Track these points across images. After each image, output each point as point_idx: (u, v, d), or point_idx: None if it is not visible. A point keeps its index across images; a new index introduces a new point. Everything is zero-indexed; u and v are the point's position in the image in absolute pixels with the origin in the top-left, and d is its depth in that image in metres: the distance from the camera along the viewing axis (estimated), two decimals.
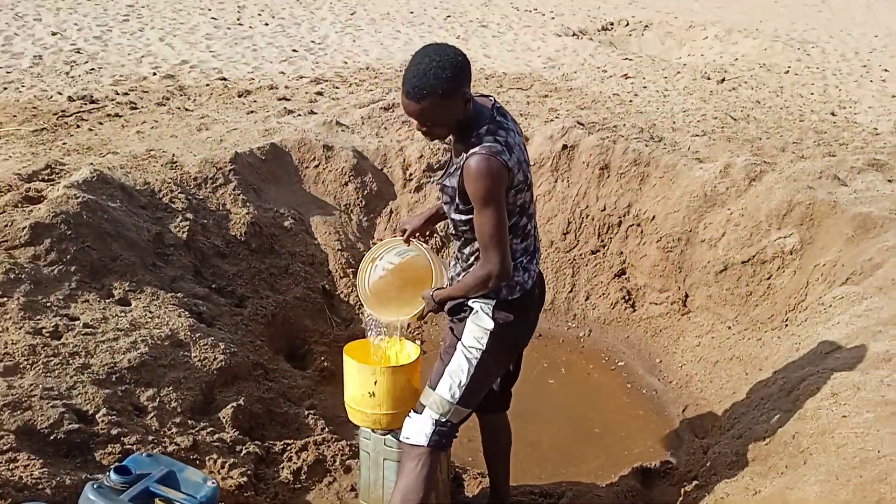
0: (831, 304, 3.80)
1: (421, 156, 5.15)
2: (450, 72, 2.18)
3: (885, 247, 3.86)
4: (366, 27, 10.61)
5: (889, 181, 4.64)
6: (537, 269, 2.60)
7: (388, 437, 2.80)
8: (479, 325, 2.50)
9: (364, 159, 5.12)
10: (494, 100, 2.43)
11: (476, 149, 2.24)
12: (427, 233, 2.88)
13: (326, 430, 3.47)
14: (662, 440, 3.91)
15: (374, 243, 4.90)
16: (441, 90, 2.17)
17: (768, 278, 4.26)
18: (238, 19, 10.34)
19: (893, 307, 3.46)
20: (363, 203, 4.99)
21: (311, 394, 3.80)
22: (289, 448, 3.24)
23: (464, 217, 2.38)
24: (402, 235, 2.74)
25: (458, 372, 2.49)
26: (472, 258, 2.49)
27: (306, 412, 3.55)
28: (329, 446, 3.32)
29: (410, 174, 5.14)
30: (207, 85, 6.93)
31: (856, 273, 3.87)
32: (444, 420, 2.49)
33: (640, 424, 4.03)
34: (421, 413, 2.51)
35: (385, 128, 5.52)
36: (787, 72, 8.68)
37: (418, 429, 2.48)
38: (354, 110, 5.79)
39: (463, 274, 2.53)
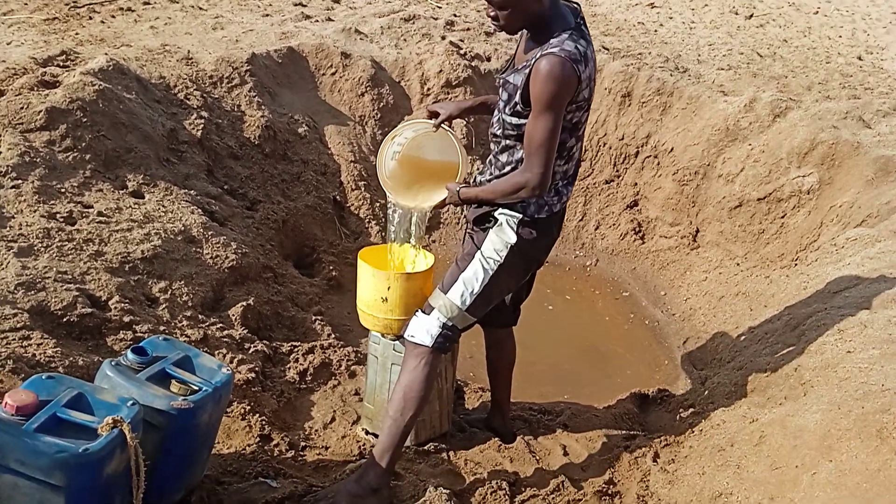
0: (844, 245, 3.79)
1: (440, 70, 5.03)
2: None
3: None
4: None
5: None
6: (569, 195, 2.54)
7: (398, 342, 2.82)
8: (500, 238, 2.47)
9: (382, 70, 5.01)
10: (581, 10, 2.33)
11: (554, 49, 2.15)
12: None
13: (332, 336, 3.51)
14: (661, 369, 3.97)
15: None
16: None
17: (783, 217, 4.24)
18: None
19: None
20: (378, 115, 4.91)
21: (318, 301, 3.83)
22: (295, 350, 3.28)
23: (517, 120, 2.30)
24: (431, 117, 2.61)
25: (472, 280, 2.48)
26: (508, 168, 2.41)
27: (313, 318, 3.59)
28: (335, 351, 3.36)
29: (428, 89, 5.03)
30: None
31: (871, 215, 3.85)
32: (450, 324, 2.49)
33: (641, 353, 4.08)
34: (429, 314, 2.50)
35: (405, 39, 5.37)
36: (817, 12, 8.41)
37: (425, 329, 2.49)
38: (374, 19, 5.62)
39: (491, 183, 2.47)
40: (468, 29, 5.78)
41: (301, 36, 5.12)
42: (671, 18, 7.45)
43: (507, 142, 2.39)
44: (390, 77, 5.06)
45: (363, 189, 4.60)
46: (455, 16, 6.07)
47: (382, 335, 2.86)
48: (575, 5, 2.31)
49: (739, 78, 5.28)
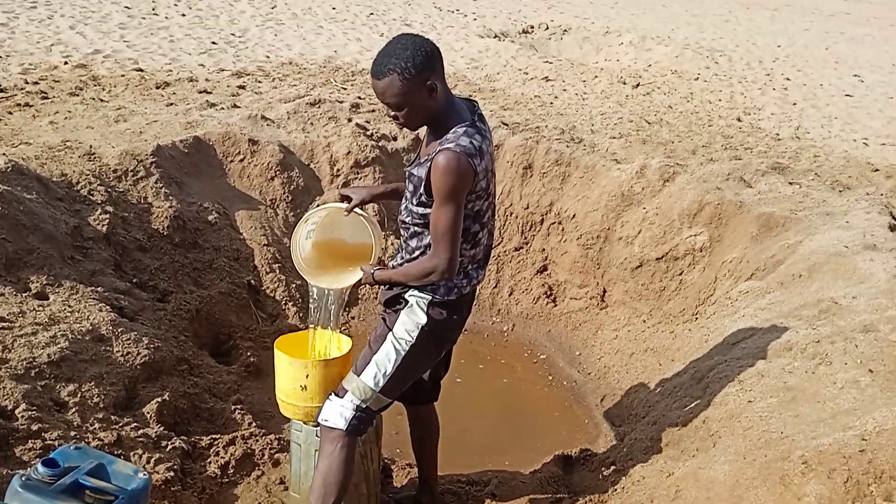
0: (737, 298, 4.05)
1: (349, 152, 5.16)
2: (411, 52, 2.23)
3: (786, 244, 4.15)
4: (287, 21, 10.49)
5: (790, 183, 4.97)
6: (479, 279, 2.64)
7: (319, 428, 2.82)
8: (411, 319, 2.54)
9: (290, 154, 5.09)
10: (477, 106, 2.47)
11: (450, 144, 2.28)
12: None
13: (254, 424, 3.45)
14: (582, 429, 4.07)
15: None
16: (401, 70, 2.21)
17: (680, 274, 4.50)
18: (153, 9, 10.03)
19: (794, 301, 3.73)
20: (290, 198, 4.96)
21: (237, 389, 3.76)
22: (216, 443, 3.20)
23: (423, 210, 2.41)
24: (344, 202, 2.67)
25: (384, 361, 2.52)
26: (418, 252, 2.50)
27: (233, 407, 3.52)
28: (257, 440, 3.30)
29: (338, 170, 5.14)
30: (123, 75, 6.70)
31: (760, 269, 4.15)
32: (364, 406, 2.52)
33: (561, 414, 4.19)
34: (342, 397, 2.53)
35: (311, 123, 5.49)
36: (697, 78, 9.12)
37: (338, 412, 2.51)
38: (280, 105, 5.73)
39: (403, 267, 2.55)
40: (373, 110, 5.97)
41: (207, 124, 5.15)
42: (565, 90, 7.92)
43: (416, 228, 2.50)
44: (299, 160, 5.15)
45: (278, 271, 4.61)
46: (360, 98, 6.26)
47: (304, 423, 2.85)
48: (472, 101, 2.47)
49: (630, 145, 5.64)
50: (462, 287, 2.56)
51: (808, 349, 3.20)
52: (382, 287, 2.66)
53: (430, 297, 2.52)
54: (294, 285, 4.62)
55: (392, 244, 4.97)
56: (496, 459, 3.72)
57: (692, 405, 3.34)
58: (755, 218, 4.42)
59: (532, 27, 12.06)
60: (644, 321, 4.47)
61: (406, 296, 2.55)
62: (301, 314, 4.54)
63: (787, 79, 9.37)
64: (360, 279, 2.61)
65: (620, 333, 4.51)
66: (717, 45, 11.28)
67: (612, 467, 3.43)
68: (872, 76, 9.75)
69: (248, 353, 4.05)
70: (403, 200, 2.55)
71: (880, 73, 9.99)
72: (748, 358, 3.38)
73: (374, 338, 2.63)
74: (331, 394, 2.59)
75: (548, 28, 12.08)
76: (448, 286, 2.52)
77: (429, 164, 2.33)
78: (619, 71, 9.34)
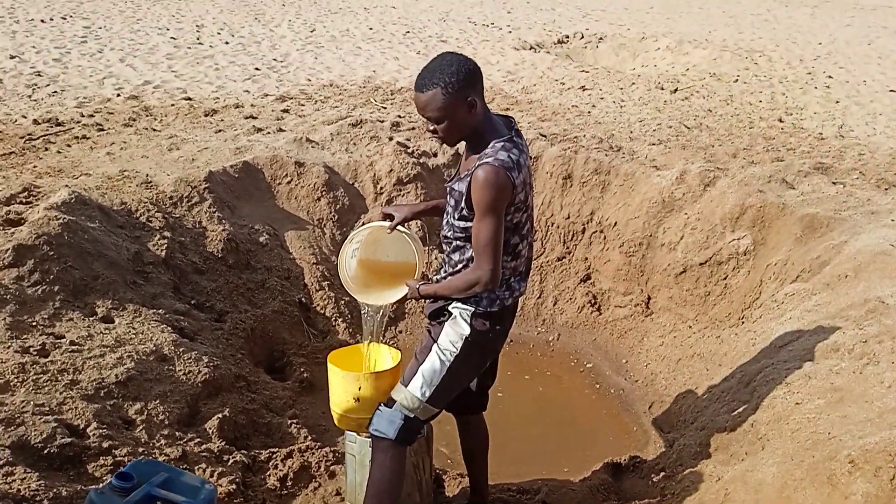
0: (783, 300, 4.04)
1: (391, 170, 5.30)
2: (455, 69, 2.34)
3: (830, 245, 4.13)
4: (326, 44, 10.75)
5: (833, 183, 4.93)
6: (522, 291, 2.71)
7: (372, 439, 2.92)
8: (455, 330, 2.62)
9: (335, 174, 5.25)
10: (514, 122, 2.57)
11: (489, 159, 2.37)
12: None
13: (309, 438, 3.57)
14: (631, 436, 4.10)
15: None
16: (444, 84, 2.32)
17: (724, 278, 4.50)
18: (198, 39, 10.40)
19: (840, 301, 3.71)
20: (336, 217, 5.11)
21: (292, 404, 3.90)
22: (274, 456, 3.33)
23: (465, 224, 2.50)
24: (387, 220, 2.75)
25: (431, 372, 2.61)
26: (461, 266, 2.59)
27: (289, 422, 3.65)
28: (313, 453, 3.42)
29: (381, 188, 5.28)
30: (172, 105, 6.98)
31: (805, 271, 4.13)
32: (412, 416, 2.62)
33: (609, 422, 4.22)
34: (391, 407, 2.63)
35: (354, 143, 5.65)
36: (737, 80, 9.05)
37: (387, 422, 2.61)
38: (323, 127, 5.91)
39: (447, 280, 2.64)
40: (413, 128, 6.10)
41: (255, 149, 5.35)
42: (602, 99, 7.95)
43: (458, 242, 2.58)
44: (344, 180, 5.30)
45: (327, 289, 4.75)
46: (399, 117, 6.40)
47: (357, 434, 2.96)
48: (509, 117, 2.56)
49: (670, 151, 5.65)
50: (504, 299, 2.63)
51: (856, 349, 3.19)
52: (427, 300, 2.75)
53: (474, 309, 2.60)
54: (343, 302, 4.76)
55: (435, 259, 5.08)
56: (545, 468, 3.77)
57: (740, 409, 3.35)
58: (799, 219, 4.40)
59: (567, 37, 12.11)
60: (690, 327, 4.48)
61: (450, 308, 2.64)
62: (350, 329, 4.67)
63: (830, 76, 9.22)
64: (406, 294, 2.70)
65: (666, 340, 4.53)
66: (756, 46, 11.16)
67: (662, 473, 3.45)
68: None
69: (302, 369, 4.19)
70: (445, 216, 2.65)
71: None
72: (795, 360, 3.37)
73: (420, 349, 2.72)
74: (380, 404, 2.69)
75: (583, 37, 12.12)
76: (490, 298, 2.59)
77: (469, 179, 2.42)
78: (657, 76, 9.33)
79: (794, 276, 4.17)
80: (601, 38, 11.98)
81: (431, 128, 2.46)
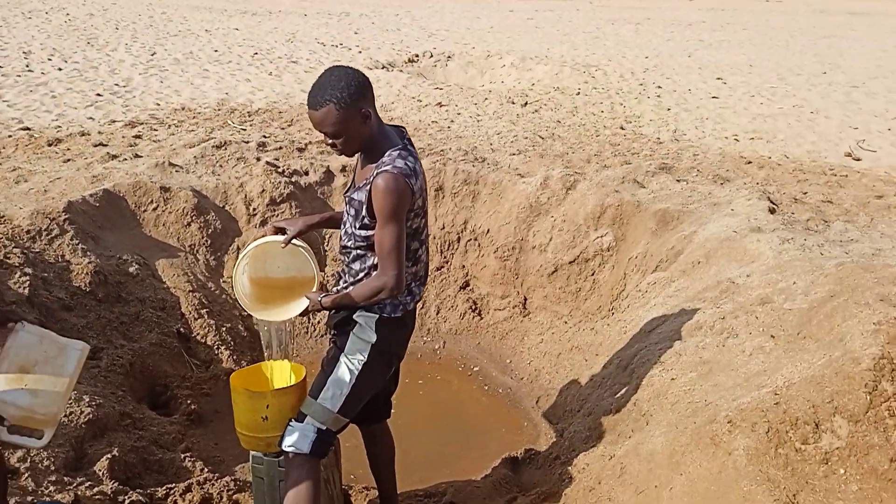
0: (647, 289, 4.40)
1: (263, 190, 5.22)
2: (345, 83, 2.38)
3: (682, 236, 4.55)
4: (171, 67, 10.38)
5: (678, 181, 5.43)
6: (421, 295, 2.80)
7: (282, 458, 2.89)
8: (361, 338, 2.66)
9: (204, 198, 5.10)
10: (405, 131, 2.64)
11: (387, 167, 2.43)
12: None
13: (206, 470, 3.46)
14: (523, 431, 4.29)
15: (229, 277, 4.90)
16: (336, 100, 2.36)
17: (592, 274, 4.83)
18: (27, 66, 9.69)
19: (696, 285, 4.10)
20: (208, 242, 4.97)
21: (182, 438, 3.75)
22: (172, 492, 3.19)
23: (366, 232, 2.54)
24: (277, 234, 2.71)
25: (340, 382, 2.63)
26: (362, 274, 2.63)
27: (182, 456, 3.52)
28: (213, 484, 3.31)
29: (254, 209, 5.19)
30: (10, 136, 6.48)
31: (663, 260, 4.52)
32: (324, 428, 2.63)
33: (502, 420, 4.39)
34: (302, 422, 2.63)
35: (221, 165, 5.51)
36: (579, 93, 9.70)
37: (300, 436, 2.60)
38: (185, 150, 5.72)
39: (350, 289, 2.66)
40: (280, 147, 6.05)
41: (113, 176, 5.09)
42: (459, 114, 8.25)
43: (359, 251, 2.62)
44: (214, 203, 5.16)
45: (206, 317, 4.60)
46: (265, 136, 6.33)
47: (264, 455, 2.91)
48: (400, 127, 2.65)
49: (530, 160, 5.98)
50: (407, 304, 2.70)
51: (716, 326, 3.54)
52: (330, 312, 2.77)
53: (378, 316, 2.65)
54: (224, 328, 4.62)
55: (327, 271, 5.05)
56: (448, 471, 3.87)
57: (622, 391, 3.61)
58: (653, 214, 4.81)
59: (417, 56, 12.42)
60: (566, 322, 4.76)
61: (354, 317, 2.67)
62: (235, 356, 4.54)
63: (659, 87, 10.10)
64: (307, 308, 2.71)
65: (545, 336, 4.78)
66: (592, 61, 12.00)
67: (557, 460, 3.64)
68: (733, 78, 10.66)
69: (188, 402, 4.03)
70: (343, 226, 2.68)
71: (740, 74, 10.93)
72: (665, 341, 3.69)
73: (326, 360, 2.74)
74: (290, 420, 2.67)
75: (432, 56, 12.48)
76: (394, 304, 2.65)
77: (368, 187, 2.47)
78: (507, 91, 9.80)
79: (653, 267, 4.55)
80: (449, 57, 12.39)
81: (330, 142, 2.50)
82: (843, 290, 3.29)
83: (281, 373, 2.97)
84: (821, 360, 2.90)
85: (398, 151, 2.51)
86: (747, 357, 3.18)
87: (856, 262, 3.66)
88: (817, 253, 4.01)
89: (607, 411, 3.59)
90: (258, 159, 5.62)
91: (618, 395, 3.63)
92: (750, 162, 6.41)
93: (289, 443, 2.63)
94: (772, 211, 4.71)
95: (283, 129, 7.13)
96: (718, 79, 10.64)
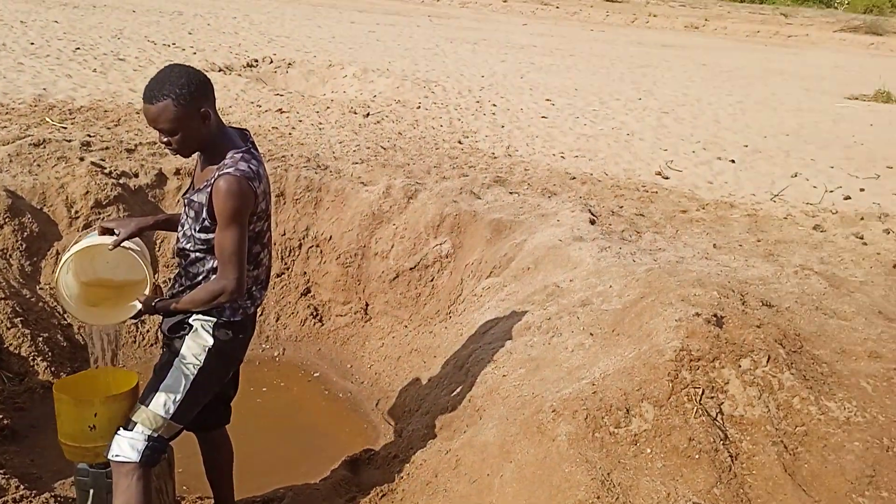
0: (482, 293, 4.64)
1: (87, 192, 4.92)
2: (185, 80, 2.34)
3: (514, 244, 4.85)
4: None
5: (511, 193, 5.77)
6: (262, 299, 2.79)
7: (109, 469, 2.76)
8: (197, 343, 2.61)
9: (19, 199, 4.72)
10: (249, 134, 2.61)
11: (229, 169, 2.40)
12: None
13: (22, 487, 3.22)
14: (362, 433, 4.36)
15: (47, 284, 4.57)
16: (175, 96, 2.31)
17: (432, 280, 5.01)
18: None
19: (526, 289, 4.39)
20: (24, 246, 4.61)
21: None
22: None
23: (206, 235, 2.49)
24: (105, 234, 2.59)
25: (173, 387, 2.57)
26: (200, 277, 2.58)
27: None
28: (31, 501, 3.11)
29: (76, 211, 4.87)
30: None
31: (496, 267, 4.79)
32: (156, 435, 2.55)
33: (341, 423, 4.44)
34: (132, 430, 2.54)
35: (39, 165, 5.12)
36: (419, 107, 9.95)
37: (129, 445, 2.52)
38: None
39: (187, 292, 2.61)
40: (107, 148, 5.72)
41: None
42: (301, 121, 8.19)
43: (198, 254, 2.57)
44: (30, 205, 4.79)
45: (20, 325, 4.25)
46: (89, 136, 5.95)
47: (90, 466, 2.77)
48: (244, 130, 2.64)
49: (372, 169, 6.09)
50: (247, 308, 2.69)
51: (543, 325, 3.83)
52: (162, 315, 2.70)
53: (216, 319, 2.62)
54: (41, 338, 4.30)
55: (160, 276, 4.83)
56: (287, 476, 3.85)
57: (458, 390, 3.79)
58: (488, 224, 5.08)
59: (256, 61, 12.15)
60: (406, 326, 4.90)
61: (190, 321, 2.62)
62: (53, 368, 4.25)
63: (494, 105, 10.60)
64: (139, 311, 2.62)
65: (386, 341, 4.89)
66: (432, 76, 12.35)
67: (396, 459, 3.75)
68: (561, 100, 11.41)
69: (0, 417, 3.72)
70: (181, 228, 2.62)
71: (566, 97, 11.71)
72: (497, 341, 3.93)
73: (158, 366, 2.65)
74: (118, 428, 2.57)
75: (272, 62, 12.27)
76: (233, 307, 2.63)
77: (209, 189, 2.44)
78: (349, 101, 9.85)
79: (488, 273, 4.81)
80: (290, 64, 12.24)
81: (165, 139, 2.44)
82: (651, 292, 3.68)
83: (108, 380, 2.84)
84: (632, 353, 3.23)
85: (241, 154, 2.49)
86: (570, 353, 3.46)
87: (662, 268, 4.11)
88: (630, 260, 4.43)
89: (444, 409, 3.75)
90: (81, 159, 5.29)
91: (454, 393, 3.81)
92: (574, 178, 6.91)
93: (115, 452, 2.53)
94: (592, 222, 5.14)
95: (109, 128, 6.73)
96: (548, 100, 11.34)
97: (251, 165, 2.49)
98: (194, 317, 2.62)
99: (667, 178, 7.50)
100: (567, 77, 13.84)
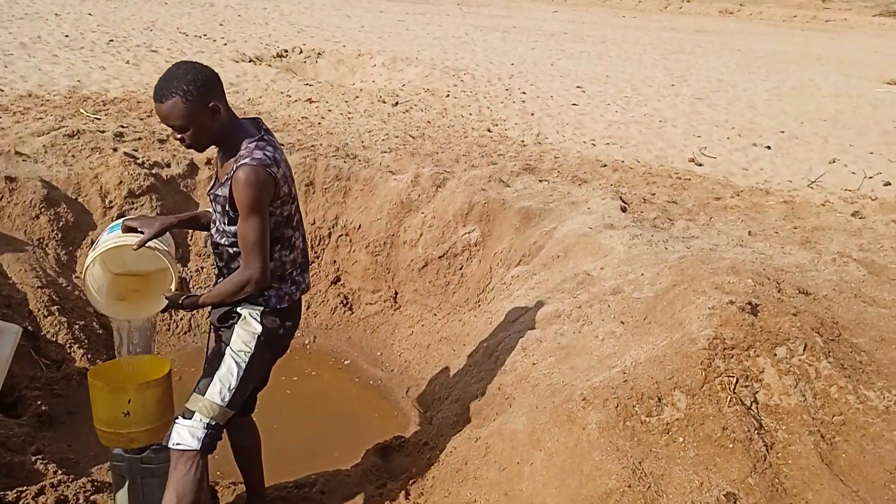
0: (511, 282, 4.61)
1: (120, 182, 4.99)
2: (192, 76, 2.37)
3: (543, 232, 4.81)
4: (15, 52, 9.62)
5: (540, 181, 5.72)
6: (306, 283, 2.79)
7: (145, 454, 2.81)
8: (247, 331, 2.64)
9: (55, 189, 4.81)
10: (262, 122, 2.61)
11: (246, 160, 2.41)
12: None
13: (59, 472, 3.29)
14: (393, 420, 4.37)
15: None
16: (182, 93, 2.34)
17: (461, 268, 5.00)
18: None
19: (555, 278, 4.35)
20: (59, 236, 4.69)
21: (32, 440, 3.54)
22: (24, 495, 3.02)
23: (234, 227, 2.51)
24: (129, 232, 2.63)
25: (227, 376, 2.61)
26: None
27: (33, 458, 3.33)
28: (68, 486, 3.16)
29: (110, 201, 4.95)
30: None
31: (525, 255, 4.76)
32: (213, 423, 2.59)
33: (372, 410, 4.45)
34: (190, 418, 2.57)
35: (73, 156, 5.21)
36: (448, 95, 9.92)
37: (189, 433, 2.55)
38: (33, 138, 5.35)
39: (214, 287, 2.62)
40: (139, 138, 5.79)
41: None
42: (330, 111, 8.22)
43: (234, 249, 2.58)
44: (66, 195, 4.87)
45: (57, 314, 4.34)
46: (122, 127, 6.03)
47: (125, 451, 2.82)
48: (256, 118, 2.63)
49: (401, 158, 6.08)
50: (293, 294, 2.71)
51: (573, 314, 3.79)
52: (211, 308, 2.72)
53: (263, 308, 2.64)
54: (77, 326, 4.38)
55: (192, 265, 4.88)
56: (319, 462, 3.88)
57: (487, 378, 3.78)
58: (517, 212, 5.04)
59: (286, 51, 12.21)
60: (435, 314, 4.89)
61: (238, 309, 2.64)
62: (89, 356, 4.33)
63: (524, 92, 10.52)
64: (166, 306, 2.64)
65: (415, 329, 4.89)
66: (461, 65, 12.29)
67: (426, 446, 3.75)
68: (591, 87, 11.28)
69: (38, 403, 3.81)
70: (214, 224, 2.64)
71: (597, 84, 11.58)
72: (527, 330, 3.90)
73: (211, 356, 2.70)
74: (177, 417, 2.61)
75: (302, 52, 12.32)
76: (279, 294, 2.65)
77: (230, 182, 2.47)
78: (378, 91, 9.85)
79: (517, 261, 4.78)
80: (319, 54, 12.27)
81: (178, 136, 2.47)
82: (684, 280, 3.62)
83: (140, 367, 2.88)
84: (663, 341, 3.18)
85: (255, 143, 2.50)
86: (600, 341, 3.42)
87: (695, 256, 4.04)
88: (662, 248, 4.36)
89: (474, 397, 3.74)
90: (115, 150, 5.36)
91: (483, 381, 3.79)
92: (605, 165, 6.83)
93: (176, 440, 2.57)
94: (623, 210, 5.07)
95: (142, 119, 6.82)
96: (578, 87, 11.22)
97: (266, 152, 2.48)
98: (242, 305, 2.64)
99: (700, 165, 7.37)
100: (598, 64, 13.67)
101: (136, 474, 2.85)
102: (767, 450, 2.76)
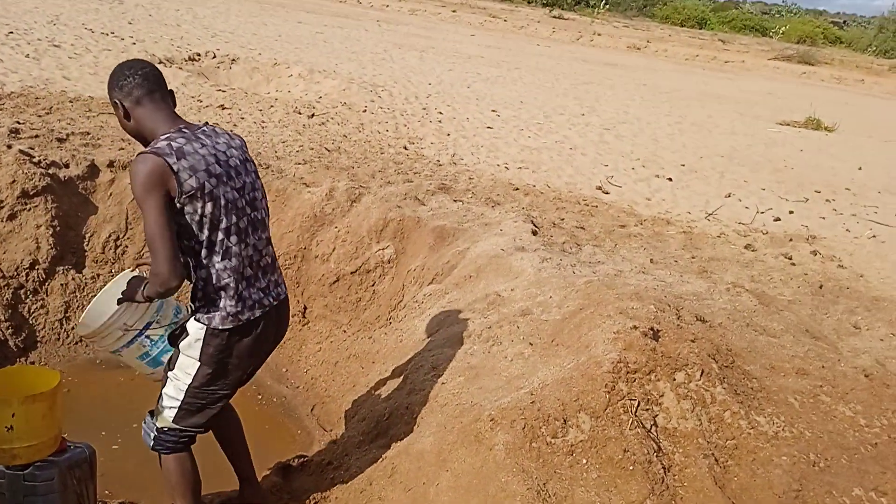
0: (423, 300, 4.61)
1: (13, 181, 4.69)
2: (112, 74, 2.41)
3: (457, 251, 4.85)
4: None
5: (454, 201, 5.77)
6: (270, 302, 2.60)
7: (28, 471, 2.62)
8: (187, 355, 2.56)
9: None
10: (201, 126, 2.47)
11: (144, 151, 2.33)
12: None
13: None
14: (296, 438, 4.27)
15: None
16: (108, 88, 2.43)
17: (373, 285, 4.96)
18: None
19: (467, 297, 4.39)
20: None
21: None
22: None
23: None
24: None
25: (171, 399, 2.66)
26: (194, 279, 2.50)
27: None
28: None
29: (1, 201, 4.64)
30: None
31: (438, 274, 4.77)
32: (165, 429, 2.71)
33: (274, 428, 4.33)
34: (152, 417, 2.74)
35: None
36: (365, 111, 9.89)
37: (145, 432, 2.74)
38: None
39: (198, 293, 2.53)
40: (36, 136, 5.48)
41: None
42: (243, 119, 8.03)
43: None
44: None
45: None
46: (18, 123, 5.69)
47: (7, 468, 2.62)
48: (205, 124, 2.53)
49: (316, 171, 6.00)
50: (238, 312, 2.48)
51: (483, 334, 3.83)
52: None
53: (206, 326, 2.49)
54: None
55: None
56: (216, 482, 3.72)
57: (395, 396, 3.75)
58: (431, 230, 5.06)
59: (198, 55, 11.86)
60: (344, 331, 4.83)
61: (187, 325, 2.55)
62: None
63: (441, 112, 10.62)
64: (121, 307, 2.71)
65: (324, 345, 4.81)
66: (378, 81, 12.29)
67: (330, 465, 3.68)
68: (506, 111, 11.51)
69: None
70: None
71: (511, 108, 11.83)
72: (437, 348, 3.91)
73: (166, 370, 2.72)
74: (145, 418, 2.75)
75: (215, 56, 12.00)
76: (221, 315, 2.47)
77: None
78: (293, 101, 9.71)
79: (430, 279, 4.79)
80: (234, 60, 11.99)
81: None
82: (590, 304, 3.73)
83: (28, 379, 2.70)
84: (570, 363, 3.25)
85: (167, 135, 2.35)
86: (509, 362, 3.47)
87: (601, 281, 4.16)
88: (570, 272, 4.48)
89: (381, 416, 3.70)
90: (9, 147, 5.03)
91: (392, 399, 3.77)
92: (517, 188, 6.97)
93: (150, 444, 2.76)
94: (534, 233, 5.18)
95: (40, 116, 6.45)
96: (493, 111, 11.43)
97: (172, 142, 2.32)
98: (190, 321, 2.54)
99: (607, 193, 7.64)
100: (513, 89, 13.98)
101: (17, 493, 2.65)
102: (665, 472, 2.86)
